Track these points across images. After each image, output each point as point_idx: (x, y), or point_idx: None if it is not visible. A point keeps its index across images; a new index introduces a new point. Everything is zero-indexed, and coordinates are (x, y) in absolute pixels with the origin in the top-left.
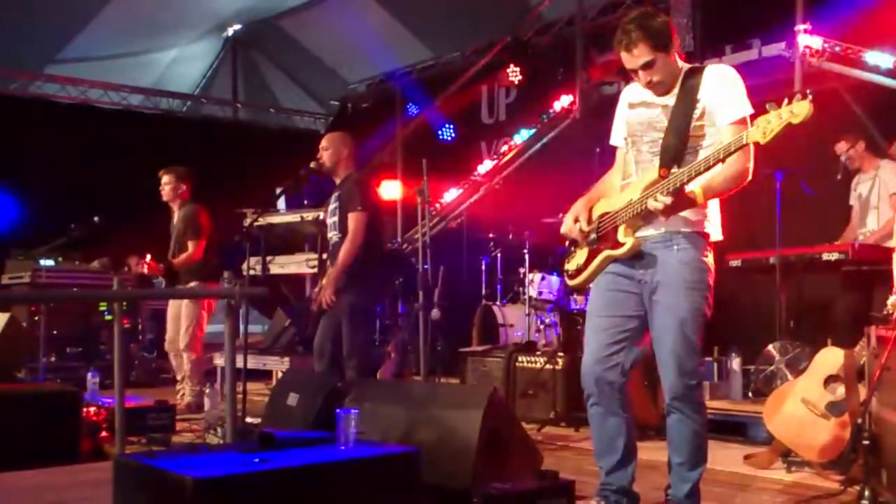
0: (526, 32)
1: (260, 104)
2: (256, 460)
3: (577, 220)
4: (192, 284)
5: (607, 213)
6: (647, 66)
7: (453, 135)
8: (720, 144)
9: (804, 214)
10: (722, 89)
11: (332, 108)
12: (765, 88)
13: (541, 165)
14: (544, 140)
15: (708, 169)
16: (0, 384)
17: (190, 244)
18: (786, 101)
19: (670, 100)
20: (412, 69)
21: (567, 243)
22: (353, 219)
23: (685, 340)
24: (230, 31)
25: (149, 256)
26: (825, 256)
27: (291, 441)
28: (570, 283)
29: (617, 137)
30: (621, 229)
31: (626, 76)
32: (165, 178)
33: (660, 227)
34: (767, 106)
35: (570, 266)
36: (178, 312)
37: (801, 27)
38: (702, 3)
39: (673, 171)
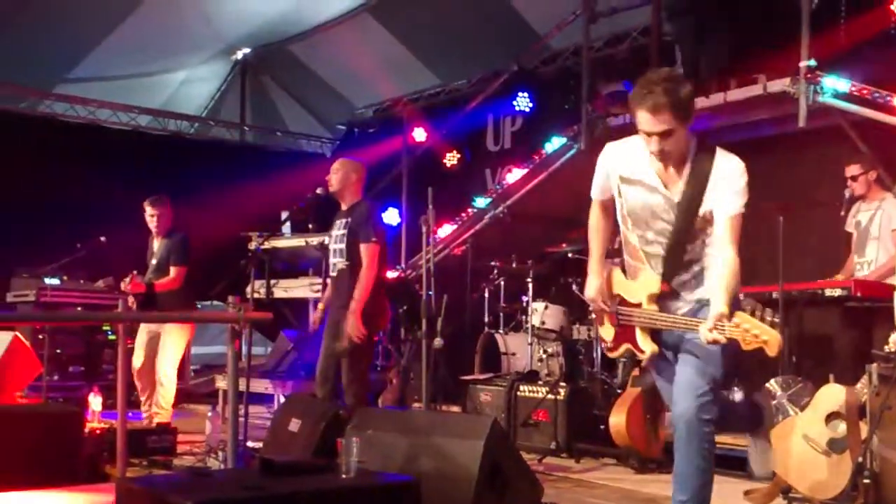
0: (532, 62)
1: (267, 127)
2: (256, 486)
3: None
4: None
5: (625, 303)
6: (666, 135)
7: (458, 162)
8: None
9: (807, 249)
10: (727, 190)
11: (339, 132)
12: (770, 124)
13: (545, 195)
14: (550, 170)
15: None
16: (2, 403)
17: (174, 270)
18: (769, 312)
19: (675, 194)
20: (419, 96)
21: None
22: (367, 250)
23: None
24: (239, 55)
25: (135, 272)
26: (828, 292)
27: (292, 468)
28: (609, 355)
29: (598, 192)
30: (640, 335)
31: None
32: (153, 210)
33: (689, 301)
34: (751, 310)
35: (605, 336)
36: (154, 338)
37: (805, 63)
38: None
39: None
